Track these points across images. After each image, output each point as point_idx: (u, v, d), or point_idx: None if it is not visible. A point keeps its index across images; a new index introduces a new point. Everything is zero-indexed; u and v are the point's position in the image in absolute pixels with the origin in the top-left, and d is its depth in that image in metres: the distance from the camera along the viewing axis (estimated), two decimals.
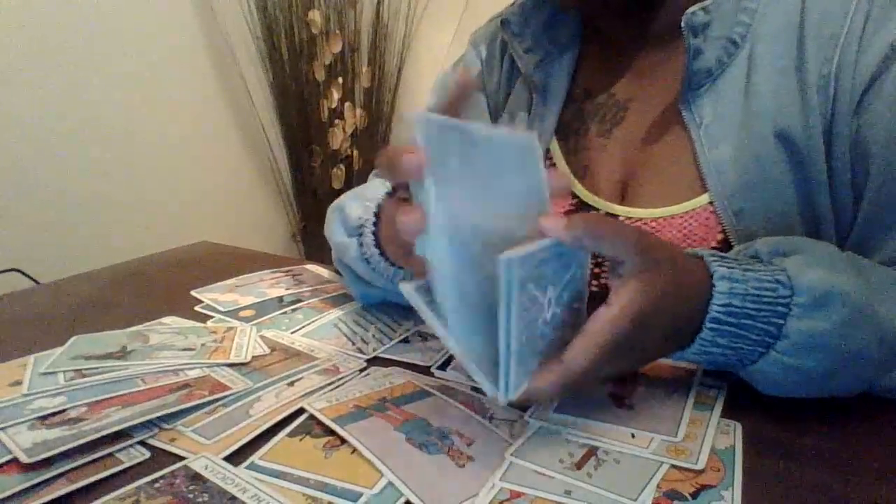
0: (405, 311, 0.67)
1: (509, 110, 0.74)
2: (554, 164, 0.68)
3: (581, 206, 0.65)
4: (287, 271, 0.81)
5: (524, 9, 0.70)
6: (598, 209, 0.64)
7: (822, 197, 0.55)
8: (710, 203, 0.57)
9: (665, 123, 0.62)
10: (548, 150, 0.69)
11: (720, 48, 0.57)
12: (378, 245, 0.57)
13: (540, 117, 0.69)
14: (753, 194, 0.56)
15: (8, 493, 0.39)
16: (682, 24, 0.56)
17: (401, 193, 0.48)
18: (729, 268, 0.43)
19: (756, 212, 0.56)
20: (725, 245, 0.57)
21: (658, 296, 0.40)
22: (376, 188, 0.61)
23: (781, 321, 0.43)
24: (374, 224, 0.57)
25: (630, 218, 0.62)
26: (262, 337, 0.61)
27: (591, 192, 0.65)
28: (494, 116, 0.76)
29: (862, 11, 0.52)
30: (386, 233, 0.52)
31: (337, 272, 0.79)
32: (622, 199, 0.63)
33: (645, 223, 0.61)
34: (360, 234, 0.60)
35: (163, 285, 0.80)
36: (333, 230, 0.64)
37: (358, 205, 0.62)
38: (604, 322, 0.39)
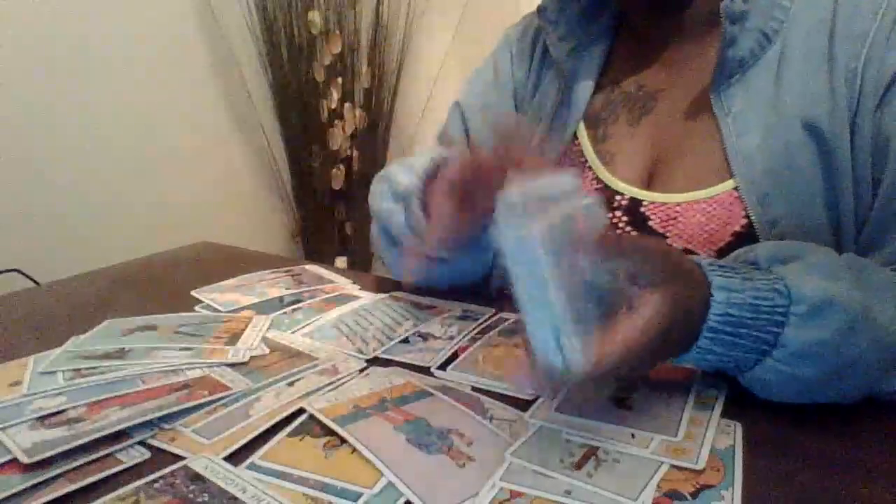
0: (405, 311, 0.67)
1: (538, 100, 0.75)
2: (580, 150, 0.69)
3: (606, 190, 0.66)
4: (287, 271, 0.81)
5: None
6: (622, 193, 0.65)
7: (846, 188, 0.55)
8: (736, 189, 0.58)
9: (694, 112, 0.63)
10: (574, 136, 0.70)
11: (754, 40, 0.59)
12: (426, 212, 0.58)
13: (567, 104, 0.71)
14: (779, 180, 0.56)
15: (8, 493, 0.39)
16: (721, 11, 0.57)
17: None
18: (727, 277, 0.43)
19: (780, 198, 0.56)
20: (749, 230, 0.58)
21: (681, 307, 0.41)
22: (423, 158, 0.62)
23: (778, 330, 0.43)
24: (423, 192, 0.58)
25: (654, 202, 0.62)
26: (261, 337, 0.61)
27: (616, 177, 0.66)
28: (519, 107, 0.77)
29: (892, 11, 0.54)
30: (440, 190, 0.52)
31: (340, 268, 0.79)
32: (648, 185, 0.64)
33: (669, 207, 0.61)
34: (407, 203, 0.60)
35: (163, 285, 0.80)
36: (380, 198, 0.66)
37: (405, 173, 0.62)
38: (633, 328, 0.39)
